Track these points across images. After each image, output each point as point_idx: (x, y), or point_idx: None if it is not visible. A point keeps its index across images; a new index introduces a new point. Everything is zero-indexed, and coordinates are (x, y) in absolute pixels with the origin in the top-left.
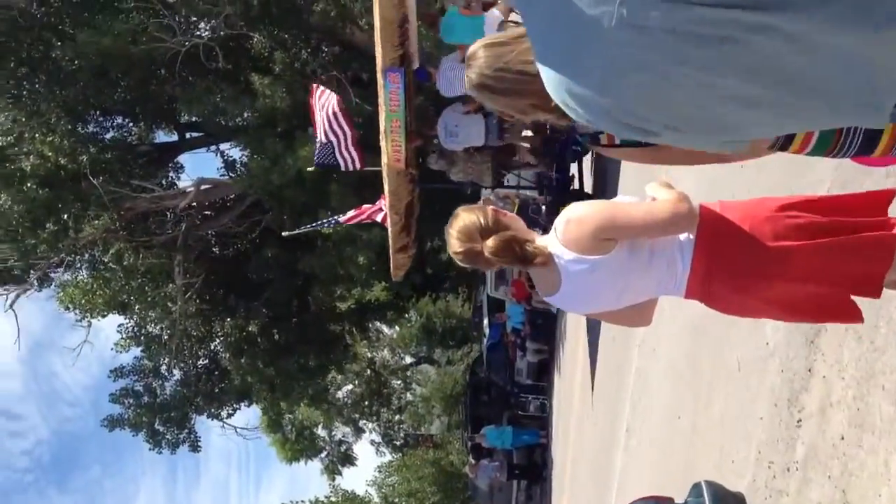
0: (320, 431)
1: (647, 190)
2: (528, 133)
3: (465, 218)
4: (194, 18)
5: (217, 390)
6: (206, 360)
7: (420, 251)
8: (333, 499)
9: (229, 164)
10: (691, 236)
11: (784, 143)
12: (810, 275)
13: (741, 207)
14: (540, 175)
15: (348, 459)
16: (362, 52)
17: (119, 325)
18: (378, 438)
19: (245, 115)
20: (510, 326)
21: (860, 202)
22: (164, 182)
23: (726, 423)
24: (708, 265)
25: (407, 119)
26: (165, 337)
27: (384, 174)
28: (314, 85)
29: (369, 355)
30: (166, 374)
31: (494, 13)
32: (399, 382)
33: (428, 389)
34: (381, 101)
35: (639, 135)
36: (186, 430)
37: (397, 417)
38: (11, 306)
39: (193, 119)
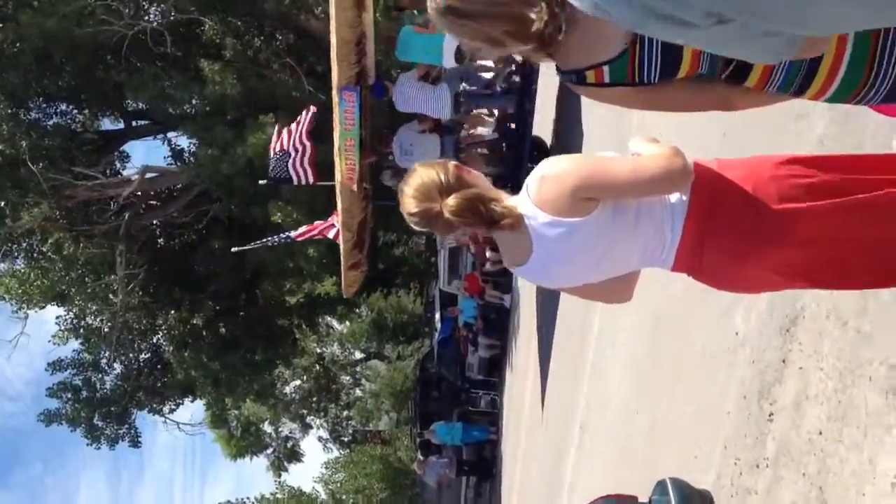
0: (266, 427)
1: (630, 146)
2: (484, 151)
3: (422, 174)
4: (144, 2)
5: (159, 385)
6: (149, 354)
7: (372, 246)
8: (279, 495)
9: (177, 153)
10: (684, 198)
11: (802, 86)
12: (821, 239)
13: (742, 165)
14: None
15: (295, 456)
16: (317, 41)
17: (57, 317)
18: (325, 434)
19: (193, 102)
20: (462, 321)
21: (875, 163)
22: (107, 170)
23: (690, 417)
24: (702, 232)
25: (362, 137)
26: (106, 329)
27: (337, 191)
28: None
29: (318, 350)
30: (106, 367)
31: None
32: (348, 378)
33: (377, 385)
34: (335, 118)
35: (668, 29)
36: (126, 426)
37: (345, 413)
38: None
39: (140, 107)
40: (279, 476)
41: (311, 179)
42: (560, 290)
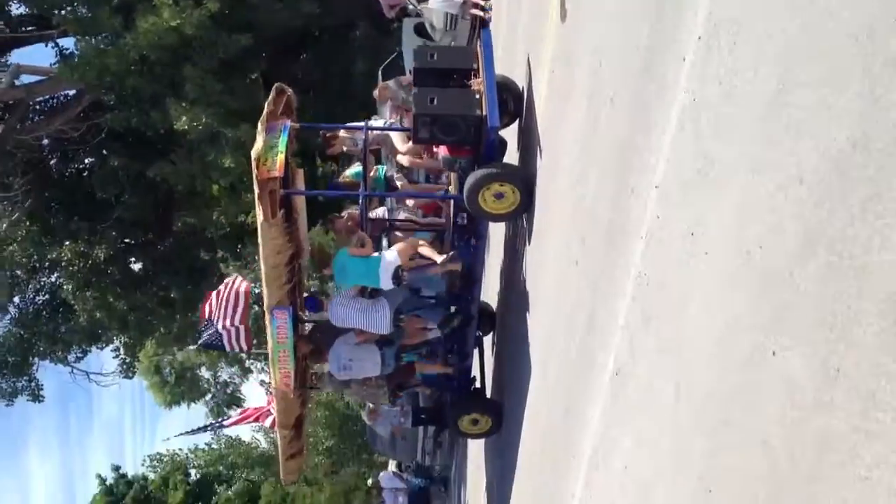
0: (203, 373)
1: None
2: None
3: None
4: None
5: (64, 329)
6: (46, 295)
7: (311, 175)
8: (215, 446)
9: (66, 57)
10: None
11: None
12: None
13: None
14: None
15: (235, 401)
16: None
17: None
18: (267, 378)
19: None
20: None
21: None
22: None
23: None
24: None
25: (295, 345)
26: None
27: (273, 391)
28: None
29: (257, 290)
30: None
31: (388, 259)
32: None
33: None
34: (268, 332)
35: None
36: (26, 378)
37: None
38: None
39: (28, 11)
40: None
41: (245, 349)
42: None
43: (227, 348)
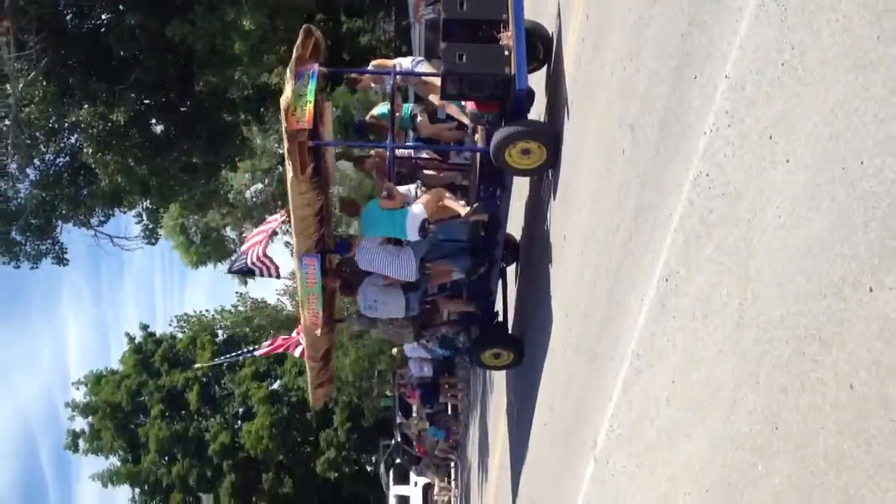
0: (229, 233)
1: None
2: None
3: None
4: None
5: (84, 193)
6: (67, 158)
7: (336, 34)
8: (242, 308)
9: None
10: None
11: None
12: None
13: None
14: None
15: None
16: None
17: None
18: (292, 240)
19: None
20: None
21: None
22: None
23: None
24: None
25: (324, 289)
26: (3, 127)
27: (302, 327)
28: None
29: (280, 151)
30: (17, 173)
31: (414, 212)
32: None
33: (345, 187)
34: (297, 277)
35: None
36: (50, 241)
37: None
38: None
39: None
40: (245, 283)
41: (276, 276)
42: None
43: (257, 272)
